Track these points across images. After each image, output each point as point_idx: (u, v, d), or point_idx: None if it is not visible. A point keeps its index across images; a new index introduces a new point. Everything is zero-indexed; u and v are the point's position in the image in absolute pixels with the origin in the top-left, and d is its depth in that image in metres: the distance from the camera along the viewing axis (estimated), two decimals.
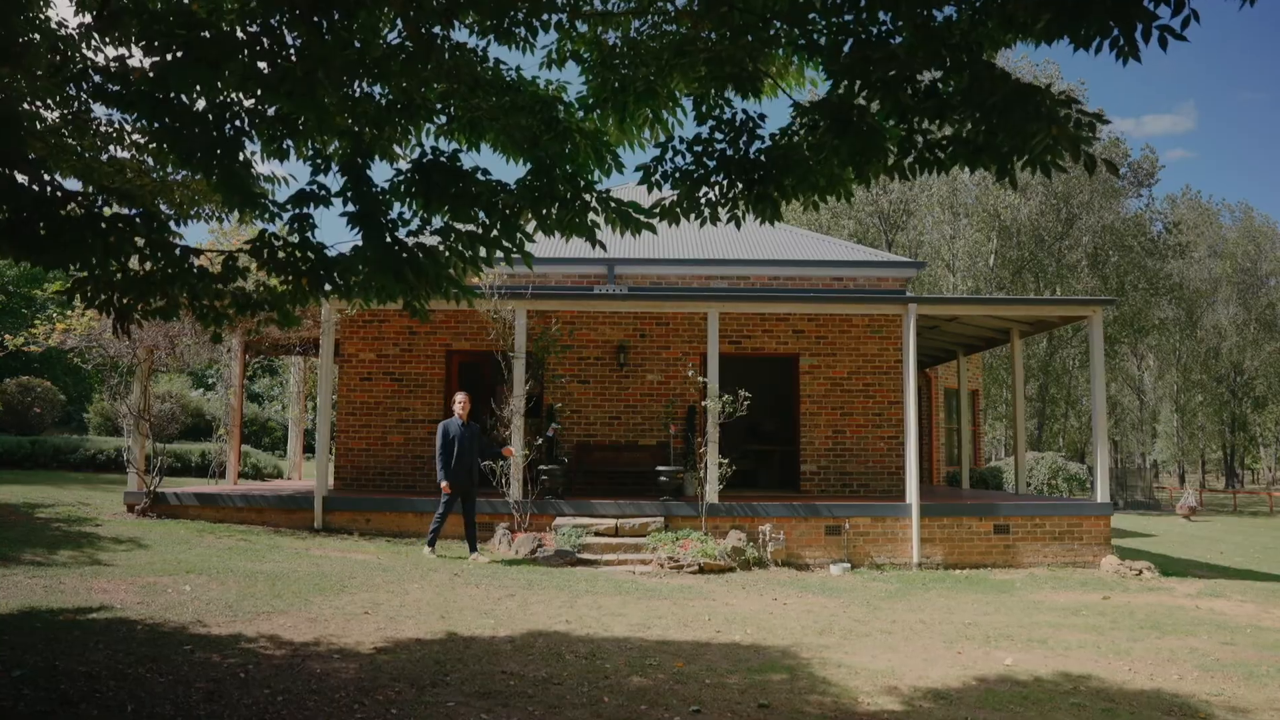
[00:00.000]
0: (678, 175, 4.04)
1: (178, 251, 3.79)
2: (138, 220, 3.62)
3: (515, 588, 8.61)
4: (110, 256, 3.55)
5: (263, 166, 4.82)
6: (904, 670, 6.05)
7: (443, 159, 4.11)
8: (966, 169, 3.73)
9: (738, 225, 4.13)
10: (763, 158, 3.95)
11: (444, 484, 10.27)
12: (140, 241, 3.61)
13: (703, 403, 11.99)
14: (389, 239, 3.87)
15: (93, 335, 11.51)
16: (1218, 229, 52.91)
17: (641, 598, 8.46)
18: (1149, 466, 53.94)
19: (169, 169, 5.09)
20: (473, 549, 10.29)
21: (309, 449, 23.39)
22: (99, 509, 12.08)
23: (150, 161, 5.07)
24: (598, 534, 10.95)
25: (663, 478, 11.88)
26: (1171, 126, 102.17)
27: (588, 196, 4.11)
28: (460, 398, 10.63)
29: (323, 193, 4.02)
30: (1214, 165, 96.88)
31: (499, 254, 4.10)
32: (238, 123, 3.74)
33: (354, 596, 7.67)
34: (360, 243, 3.86)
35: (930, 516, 11.46)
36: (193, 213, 5.45)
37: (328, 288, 4.07)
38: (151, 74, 3.81)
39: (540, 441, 12.43)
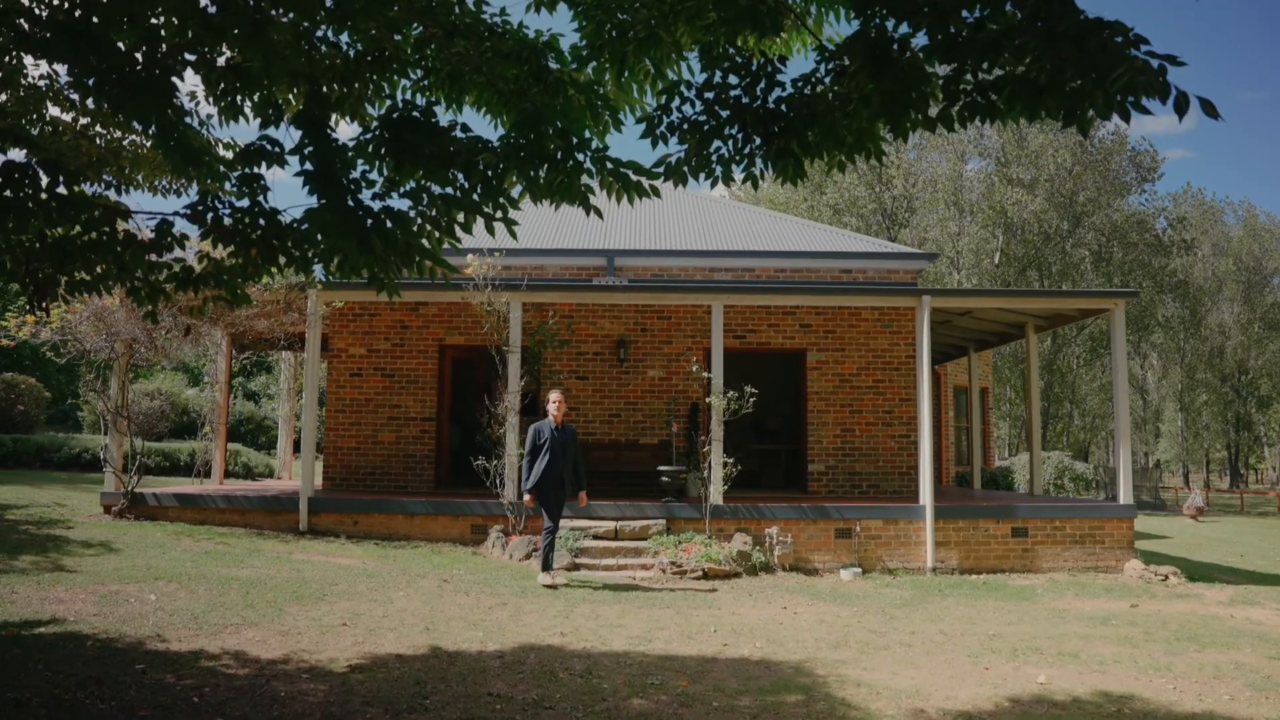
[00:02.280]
0: (686, 127, 3.50)
1: (97, 212, 3.25)
2: (34, 170, 3.06)
3: (508, 595, 8.08)
4: (8, 212, 3.01)
5: (221, 131, 4.28)
6: (929, 689, 5.52)
7: (415, 114, 3.58)
8: (1024, 118, 3.19)
9: (755, 185, 3.61)
10: (784, 108, 3.41)
11: (528, 496, 8.88)
12: (44, 197, 3.07)
13: (706, 399, 11.45)
14: (351, 202, 3.34)
15: (68, 328, 10.97)
16: (1222, 227, 52.42)
17: (642, 606, 7.93)
18: (1152, 466, 53.38)
19: (113, 130, 4.52)
20: (545, 567, 8.85)
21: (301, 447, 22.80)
22: (74, 510, 11.55)
23: (89, 121, 4.52)
24: (596, 537, 10.41)
25: (664, 478, 11.34)
26: (1171, 126, 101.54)
27: (581, 155, 3.57)
28: (555, 396, 9.08)
29: (276, 149, 3.48)
30: (1214, 165, 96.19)
31: (479, 220, 3.56)
32: (170, 61, 3.21)
33: (333, 606, 7.14)
34: (318, 206, 3.32)
35: (945, 519, 10.92)
36: (142, 182, 4.88)
37: (282, 259, 3.54)
38: (76, 10, 3.28)
39: None
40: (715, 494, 10.82)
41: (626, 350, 13.26)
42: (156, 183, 4.94)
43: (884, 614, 8.11)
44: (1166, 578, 10.48)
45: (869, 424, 13.17)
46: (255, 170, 3.48)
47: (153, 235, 3.42)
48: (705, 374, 11.33)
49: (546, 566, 8.77)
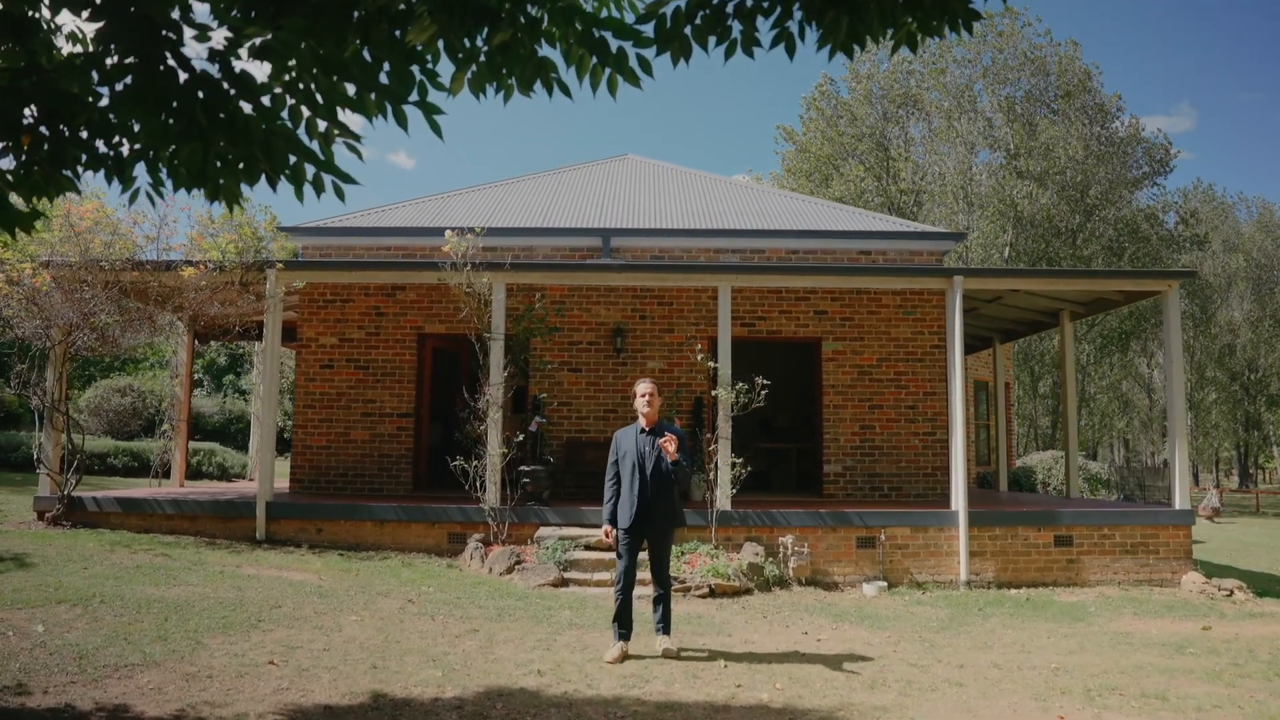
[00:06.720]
0: None
1: None
2: None
3: (481, 620, 6.88)
4: None
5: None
6: None
7: None
8: None
9: (789, 52, 2.44)
10: None
11: (605, 527, 6.44)
12: None
13: (712, 393, 10.24)
14: (173, 59, 2.14)
15: None
16: (1233, 223, 51.25)
17: (638, 633, 6.71)
18: (1161, 464, 52.17)
19: None
20: (665, 628, 6.21)
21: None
22: (6, 516, 10.37)
23: None
24: (588, 547, 9.20)
25: None
26: (1171, 127, 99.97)
27: (534, 9, 2.38)
28: (643, 390, 6.32)
29: None
30: (1215, 165, 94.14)
31: (385, 105, 2.38)
32: None
33: (267, 635, 5.94)
34: (108, 55, 2.13)
35: (979, 526, 9.73)
36: None
37: (82, 157, 2.35)
38: None
39: (522, 438, 10.68)
40: (723, 498, 9.62)
41: (623, 339, 12.06)
42: None
43: (922, 640, 6.92)
44: (1232, 593, 9.29)
45: (890, 420, 11.96)
46: (27, 14, 2.29)
47: None
48: (712, 363, 10.12)
49: (623, 634, 6.06)
